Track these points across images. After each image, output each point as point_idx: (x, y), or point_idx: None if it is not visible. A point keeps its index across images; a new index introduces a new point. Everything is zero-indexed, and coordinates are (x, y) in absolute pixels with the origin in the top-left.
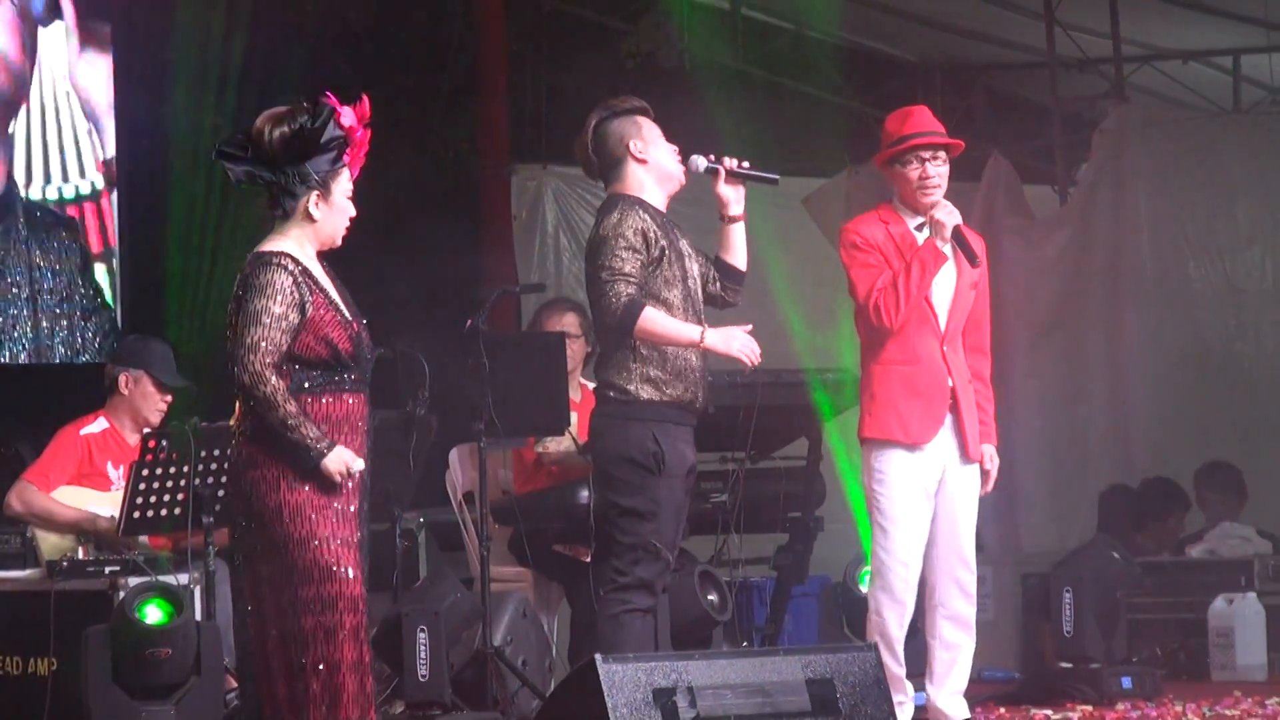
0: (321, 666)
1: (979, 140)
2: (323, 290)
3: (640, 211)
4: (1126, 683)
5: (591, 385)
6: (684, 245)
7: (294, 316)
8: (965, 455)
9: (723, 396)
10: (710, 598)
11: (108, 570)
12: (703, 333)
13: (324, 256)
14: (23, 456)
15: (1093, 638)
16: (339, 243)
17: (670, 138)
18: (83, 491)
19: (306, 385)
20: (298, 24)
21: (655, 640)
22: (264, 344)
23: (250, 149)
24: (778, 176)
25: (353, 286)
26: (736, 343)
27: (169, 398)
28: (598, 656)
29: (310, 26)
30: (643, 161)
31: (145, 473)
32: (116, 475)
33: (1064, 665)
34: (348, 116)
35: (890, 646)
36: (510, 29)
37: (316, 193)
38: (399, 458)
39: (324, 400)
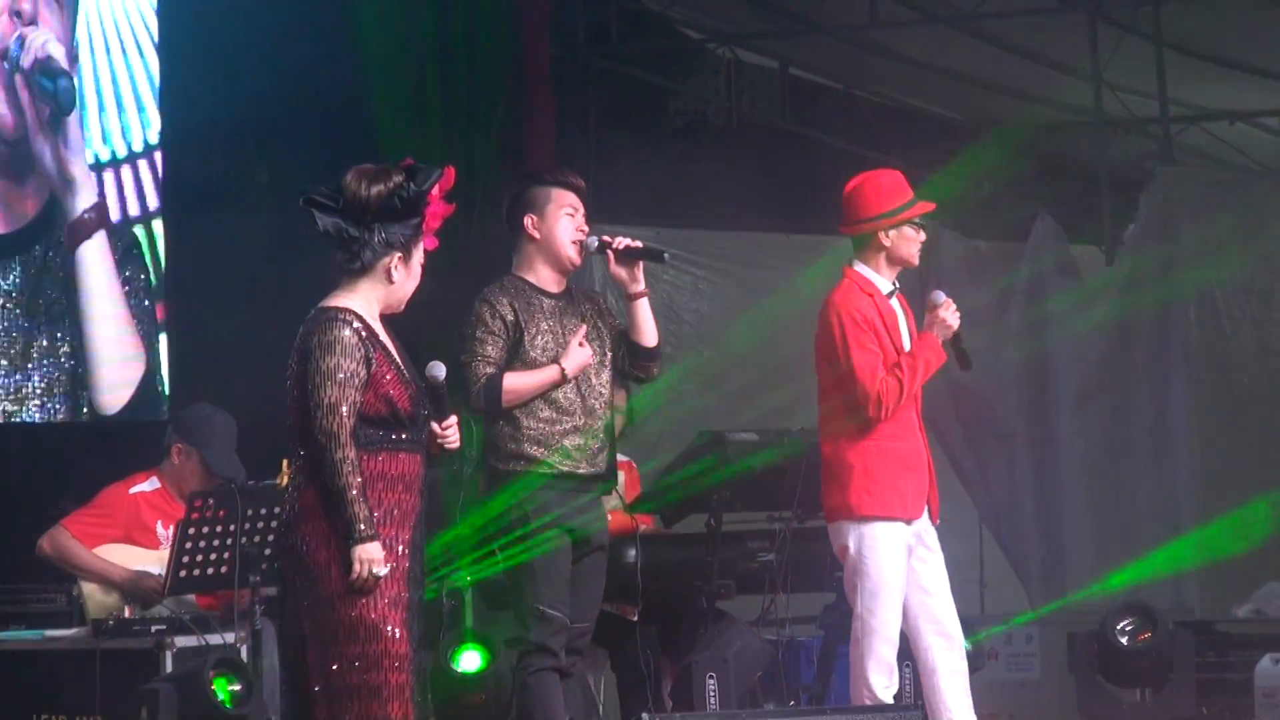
0: None
1: (1026, 200)
2: (384, 347)
3: (499, 296)
4: None
5: (620, 457)
6: (570, 322)
7: (362, 372)
8: (933, 517)
9: (770, 456)
10: None
11: (154, 629)
12: (561, 369)
13: (384, 318)
14: (68, 514)
15: (1105, 696)
16: (402, 309)
17: (714, 195)
18: (129, 550)
19: (363, 441)
20: (344, 84)
21: (571, 694)
22: (343, 406)
23: (339, 201)
24: (666, 253)
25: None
26: (580, 358)
27: (217, 480)
28: (644, 715)
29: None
30: (534, 238)
31: (191, 531)
32: (166, 534)
33: None
34: None
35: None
36: (558, 88)
37: (399, 255)
38: (447, 518)
39: (379, 458)
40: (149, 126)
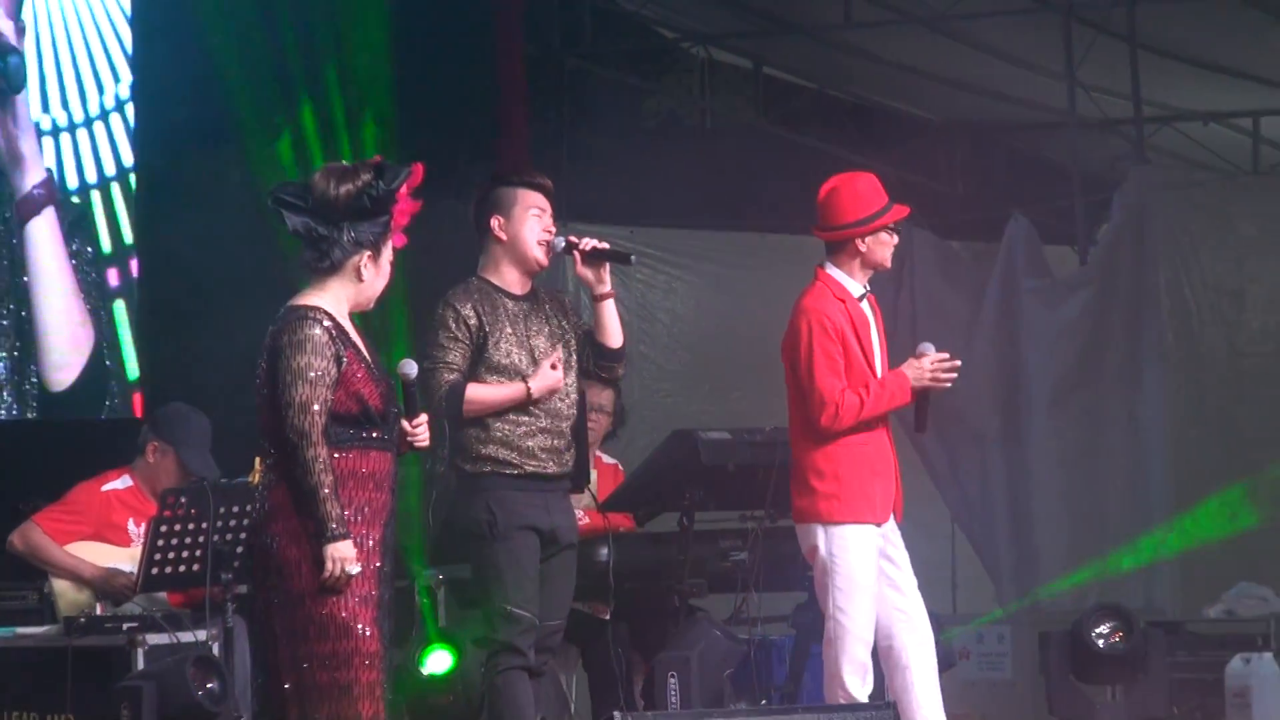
0: None
1: (1000, 200)
2: (354, 345)
3: (464, 300)
4: None
5: (606, 459)
6: (534, 325)
7: (333, 370)
8: (898, 517)
9: (742, 456)
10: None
11: (126, 627)
12: (528, 388)
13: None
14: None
15: (1077, 695)
16: (372, 306)
17: (688, 195)
18: (100, 547)
19: (334, 439)
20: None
21: (543, 693)
22: (315, 404)
23: (308, 200)
24: (633, 256)
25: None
26: (548, 381)
27: (191, 478)
28: (616, 714)
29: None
30: (501, 240)
31: (164, 529)
32: (137, 532)
33: None
34: None
35: None
36: (532, 88)
37: (369, 253)
38: (417, 516)
39: (350, 456)
40: (105, 91)
